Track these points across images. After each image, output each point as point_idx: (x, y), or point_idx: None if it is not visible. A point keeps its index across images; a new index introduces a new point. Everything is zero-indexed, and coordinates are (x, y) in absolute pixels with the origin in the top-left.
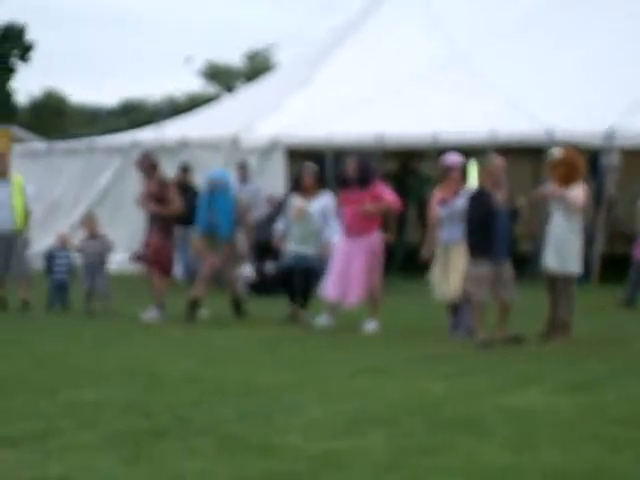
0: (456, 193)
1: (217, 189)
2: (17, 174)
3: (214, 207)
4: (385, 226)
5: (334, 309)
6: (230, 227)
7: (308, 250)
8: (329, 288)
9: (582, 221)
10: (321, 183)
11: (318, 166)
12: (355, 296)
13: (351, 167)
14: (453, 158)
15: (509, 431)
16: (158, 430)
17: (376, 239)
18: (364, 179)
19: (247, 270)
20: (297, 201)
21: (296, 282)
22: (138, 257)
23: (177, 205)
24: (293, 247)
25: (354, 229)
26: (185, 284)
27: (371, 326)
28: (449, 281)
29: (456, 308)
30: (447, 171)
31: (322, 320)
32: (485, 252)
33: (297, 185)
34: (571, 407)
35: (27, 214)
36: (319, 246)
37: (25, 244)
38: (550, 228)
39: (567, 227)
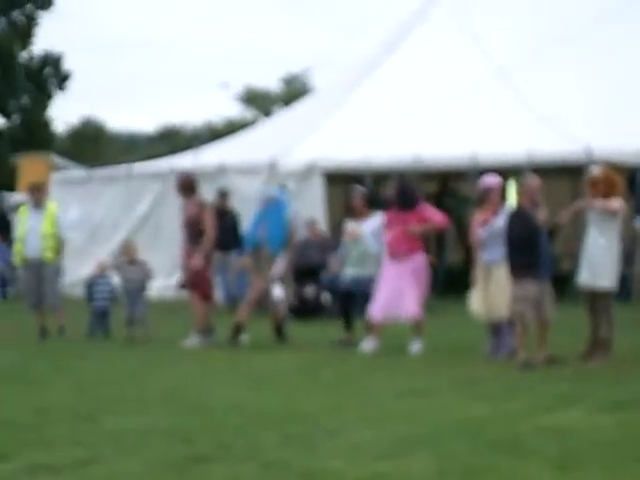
0: (496, 213)
1: (272, 205)
2: (51, 202)
3: (266, 222)
4: (425, 248)
5: (379, 332)
6: (280, 244)
7: (364, 271)
8: (377, 311)
9: (619, 236)
10: (372, 205)
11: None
12: (410, 311)
13: (394, 190)
14: (492, 179)
15: (552, 451)
16: (201, 456)
17: (421, 260)
18: (408, 202)
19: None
20: (349, 225)
21: (355, 307)
22: (182, 284)
23: (210, 233)
24: (350, 270)
25: (398, 251)
26: (226, 309)
27: (416, 347)
28: (491, 302)
29: (497, 329)
30: (486, 192)
31: (368, 344)
32: (530, 271)
33: (349, 209)
34: (614, 426)
35: (60, 242)
36: (377, 267)
37: (56, 272)
38: (586, 243)
39: (602, 242)
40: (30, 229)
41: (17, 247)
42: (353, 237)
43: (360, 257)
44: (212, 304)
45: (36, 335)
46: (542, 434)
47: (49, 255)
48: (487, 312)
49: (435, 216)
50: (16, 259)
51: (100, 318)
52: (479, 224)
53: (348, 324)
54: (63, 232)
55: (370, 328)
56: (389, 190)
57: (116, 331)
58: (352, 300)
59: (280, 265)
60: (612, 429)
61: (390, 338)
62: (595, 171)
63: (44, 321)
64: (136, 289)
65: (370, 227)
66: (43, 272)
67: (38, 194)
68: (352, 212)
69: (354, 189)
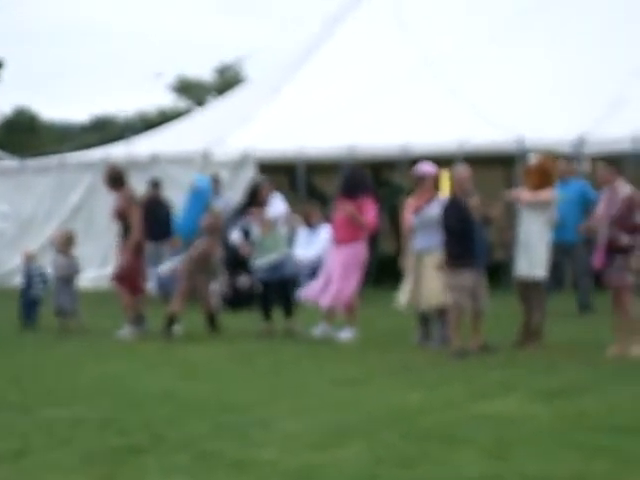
0: (429, 201)
1: (192, 194)
2: None
3: (187, 211)
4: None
5: (329, 317)
6: (192, 229)
7: (275, 257)
8: (307, 289)
9: (550, 226)
10: (309, 195)
11: (290, 178)
12: (325, 300)
13: (342, 178)
14: (426, 167)
15: (487, 440)
16: (134, 447)
17: (356, 248)
18: (349, 190)
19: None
20: (260, 215)
21: (274, 295)
22: (112, 277)
23: (137, 230)
24: (262, 260)
25: (337, 236)
26: (158, 300)
27: (345, 335)
28: (421, 291)
29: (427, 318)
30: (420, 180)
31: (318, 330)
32: (465, 261)
33: (254, 199)
34: (549, 414)
35: None
36: (285, 249)
37: None
38: (519, 234)
39: (534, 232)
40: None
41: None
42: (268, 228)
43: (273, 244)
44: (141, 295)
45: None
46: (476, 422)
47: None
48: (417, 301)
49: (368, 214)
50: None
51: (31, 307)
52: (411, 211)
53: (267, 314)
54: None
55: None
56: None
57: (49, 322)
58: (270, 289)
59: (191, 250)
60: (546, 417)
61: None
62: (532, 160)
63: None
64: (63, 279)
65: (276, 211)
66: None
67: None
68: (258, 202)
69: (262, 180)
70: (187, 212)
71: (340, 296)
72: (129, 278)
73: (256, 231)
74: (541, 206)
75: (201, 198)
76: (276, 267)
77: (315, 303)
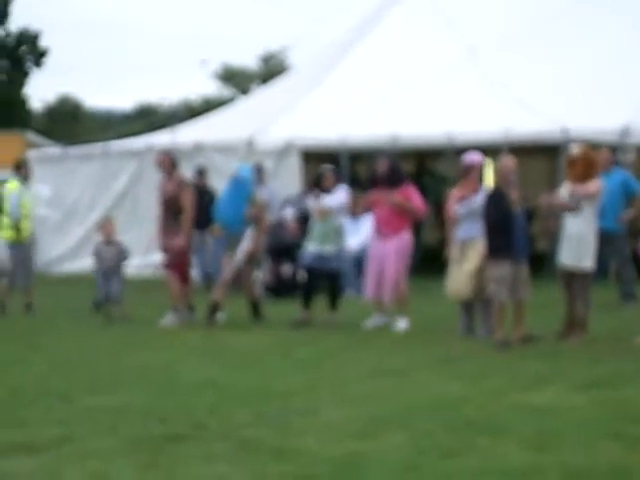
0: (475, 191)
1: (232, 184)
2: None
3: (228, 199)
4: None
5: (382, 309)
6: (237, 223)
7: (328, 249)
8: (369, 289)
9: (596, 217)
10: (351, 185)
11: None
12: (387, 296)
13: (382, 167)
14: (474, 157)
15: (528, 430)
16: (176, 435)
17: (405, 239)
18: (395, 179)
19: (262, 272)
20: (319, 200)
21: (318, 285)
22: (165, 265)
23: (190, 212)
24: (314, 247)
25: (384, 229)
26: (202, 288)
27: (402, 324)
28: (463, 279)
29: (469, 307)
30: (467, 170)
31: (372, 321)
32: (505, 252)
33: (318, 185)
34: (590, 405)
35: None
36: (340, 243)
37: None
38: (566, 225)
39: (582, 223)
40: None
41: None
42: (324, 214)
43: (325, 233)
44: (189, 284)
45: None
46: (518, 413)
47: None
48: (460, 289)
49: (417, 201)
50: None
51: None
52: (456, 200)
53: (307, 302)
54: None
55: (377, 307)
56: (379, 167)
57: (92, 310)
58: (314, 277)
59: (246, 243)
60: (587, 408)
61: (366, 316)
62: (574, 150)
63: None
64: (111, 268)
65: (336, 201)
66: (30, 250)
67: (26, 170)
68: (321, 189)
69: (325, 168)
70: (227, 200)
71: (398, 288)
72: (181, 265)
73: (314, 215)
74: (589, 197)
75: (242, 187)
76: (325, 259)
77: (378, 302)
